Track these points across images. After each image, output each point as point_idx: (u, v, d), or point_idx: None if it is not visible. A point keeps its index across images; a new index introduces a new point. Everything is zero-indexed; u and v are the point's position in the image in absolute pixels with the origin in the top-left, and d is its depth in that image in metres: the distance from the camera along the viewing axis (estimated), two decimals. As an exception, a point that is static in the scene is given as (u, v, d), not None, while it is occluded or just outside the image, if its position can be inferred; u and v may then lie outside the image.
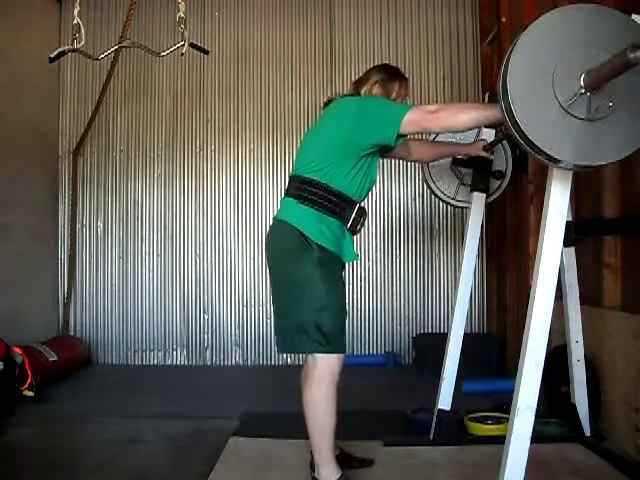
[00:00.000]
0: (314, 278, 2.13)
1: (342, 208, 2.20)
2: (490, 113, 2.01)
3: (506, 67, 1.68)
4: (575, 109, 1.65)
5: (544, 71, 1.66)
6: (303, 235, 2.15)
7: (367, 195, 2.37)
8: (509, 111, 1.68)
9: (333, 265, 2.21)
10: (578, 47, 1.67)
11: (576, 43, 1.68)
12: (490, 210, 4.51)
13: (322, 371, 2.17)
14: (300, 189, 2.20)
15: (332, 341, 2.16)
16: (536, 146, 1.68)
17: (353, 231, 2.27)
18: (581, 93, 1.64)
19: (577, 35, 1.69)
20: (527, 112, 1.66)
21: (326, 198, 2.17)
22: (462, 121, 2.05)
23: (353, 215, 2.23)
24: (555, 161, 1.70)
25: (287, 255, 2.20)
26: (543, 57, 1.66)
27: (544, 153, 1.68)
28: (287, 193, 2.27)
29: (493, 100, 2.96)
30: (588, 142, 1.67)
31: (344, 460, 2.40)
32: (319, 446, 2.20)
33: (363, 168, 2.25)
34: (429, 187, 3.21)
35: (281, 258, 2.25)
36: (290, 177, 2.31)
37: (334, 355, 2.17)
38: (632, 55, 1.43)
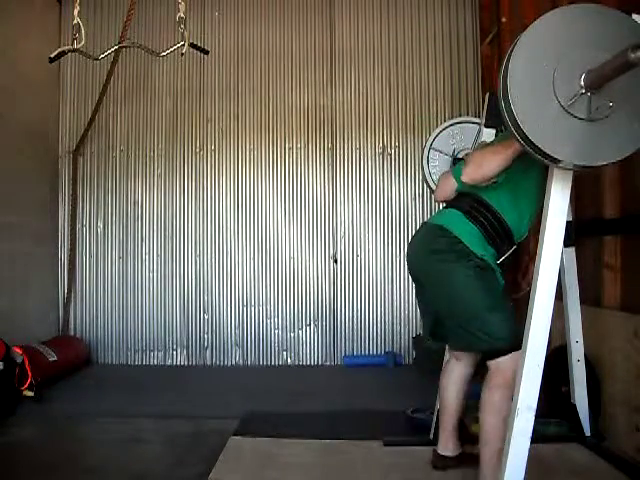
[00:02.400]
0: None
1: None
2: (511, 151, 2.02)
3: (506, 67, 1.68)
4: (575, 109, 1.65)
5: (544, 71, 1.66)
6: None
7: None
8: (509, 112, 1.68)
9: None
10: (578, 47, 1.67)
11: (576, 43, 1.68)
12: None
13: (505, 374, 2.07)
14: None
15: (512, 344, 2.07)
16: (536, 146, 1.68)
17: None
18: (581, 93, 1.64)
19: (577, 35, 1.69)
20: (527, 112, 1.66)
21: None
22: (489, 171, 2.10)
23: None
24: (555, 161, 1.70)
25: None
26: (543, 57, 1.67)
27: (544, 153, 1.68)
28: None
29: (492, 100, 2.97)
30: (588, 142, 1.67)
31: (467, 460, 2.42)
32: (493, 453, 2.05)
33: None
34: (429, 186, 3.21)
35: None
36: None
37: (514, 354, 2.05)
38: (633, 55, 1.44)
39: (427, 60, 5.17)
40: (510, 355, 2.05)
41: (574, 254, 2.78)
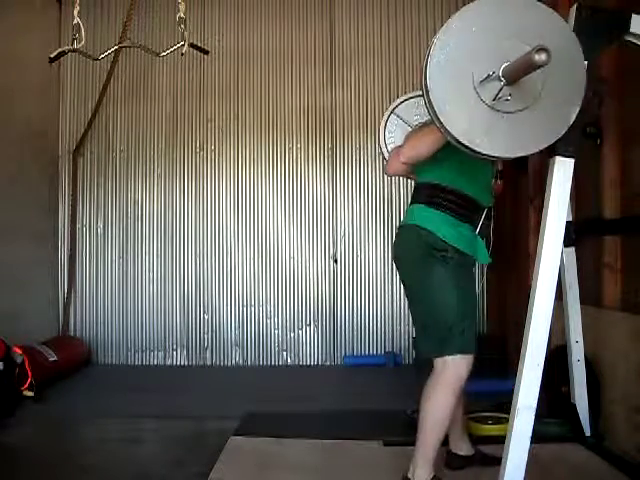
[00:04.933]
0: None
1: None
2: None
3: (427, 59, 1.70)
4: (493, 102, 1.68)
5: (463, 63, 1.68)
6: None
7: None
8: (429, 102, 1.71)
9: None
10: (499, 40, 1.69)
11: (497, 36, 1.70)
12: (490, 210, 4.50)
13: (451, 375, 2.14)
14: None
15: (464, 345, 2.16)
16: (454, 136, 1.70)
17: None
18: (499, 86, 1.66)
19: (498, 28, 1.70)
20: (445, 102, 1.69)
21: None
22: (425, 150, 2.15)
23: None
24: (474, 152, 1.72)
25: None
26: (463, 49, 1.69)
27: (462, 144, 1.71)
28: None
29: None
30: (505, 134, 1.70)
31: (480, 459, 2.47)
32: (426, 446, 2.15)
33: None
34: (382, 155, 3.09)
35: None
36: None
37: (465, 357, 2.16)
38: (537, 57, 1.49)
39: (427, 60, 5.17)
40: (460, 356, 2.13)
41: (574, 254, 2.78)
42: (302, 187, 5.21)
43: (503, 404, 2.79)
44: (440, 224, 2.17)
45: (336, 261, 5.12)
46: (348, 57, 5.19)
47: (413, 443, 2.75)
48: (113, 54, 4.31)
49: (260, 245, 5.18)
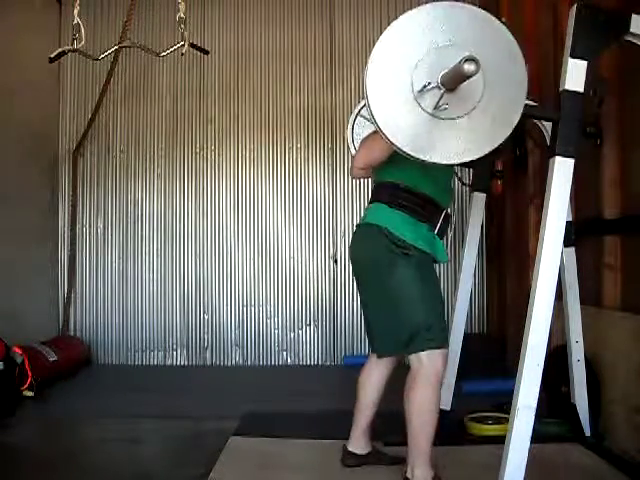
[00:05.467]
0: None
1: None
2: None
3: (365, 76, 1.71)
4: (434, 110, 1.68)
5: (402, 76, 1.69)
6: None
7: None
8: (373, 118, 1.72)
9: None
10: (436, 49, 1.70)
11: (434, 45, 1.70)
12: (490, 210, 4.51)
13: (428, 370, 2.14)
14: None
15: (434, 337, 2.16)
16: (398, 147, 1.72)
17: None
18: (439, 94, 1.67)
19: (435, 38, 1.70)
20: (388, 116, 1.70)
21: None
22: (379, 155, 2.18)
23: None
24: (420, 160, 1.73)
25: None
26: (400, 62, 1.70)
27: (406, 153, 1.72)
28: None
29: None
30: (448, 141, 1.71)
31: (376, 458, 2.47)
32: (420, 447, 2.15)
33: None
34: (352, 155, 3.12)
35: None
36: None
37: (438, 351, 2.16)
38: (466, 67, 1.51)
39: (427, 60, 5.16)
40: (436, 352, 2.14)
41: (574, 254, 2.78)
42: (302, 187, 5.21)
43: (503, 404, 2.80)
44: (399, 223, 2.19)
45: (336, 261, 5.12)
46: (348, 57, 5.19)
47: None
48: (113, 54, 4.30)
49: (260, 245, 5.18)
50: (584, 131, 2.77)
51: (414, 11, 1.74)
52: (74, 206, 5.21)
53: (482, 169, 2.98)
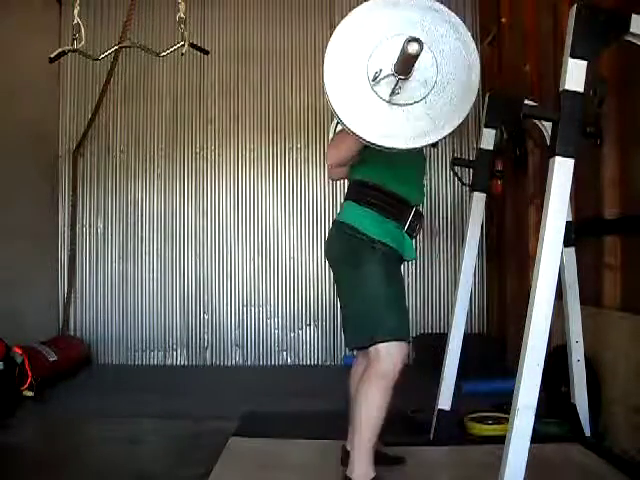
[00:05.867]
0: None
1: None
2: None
3: (323, 72, 1.77)
4: (391, 97, 1.73)
5: (357, 68, 1.75)
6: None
7: None
8: (335, 113, 1.76)
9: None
10: (388, 38, 1.75)
11: (385, 34, 1.76)
12: (490, 210, 4.51)
13: (385, 363, 2.12)
14: None
15: (393, 331, 2.15)
16: (363, 139, 1.76)
17: None
18: (395, 81, 1.72)
19: (386, 27, 1.77)
20: (348, 109, 1.75)
21: None
22: (347, 151, 2.17)
23: None
24: (385, 148, 1.78)
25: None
26: (354, 54, 1.76)
27: (372, 144, 1.77)
28: None
29: (492, 100, 2.98)
30: (408, 126, 1.75)
31: (375, 458, 2.41)
32: (361, 442, 2.13)
33: None
34: None
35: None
36: None
37: (397, 345, 2.14)
38: (410, 48, 1.58)
39: (427, 60, 5.16)
40: (393, 344, 2.11)
41: (574, 254, 2.78)
42: (302, 187, 5.21)
43: (503, 404, 2.80)
44: (367, 221, 2.20)
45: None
46: (348, 57, 5.18)
47: (413, 443, 2.78)
48: (113, 54, 4.30)
49: (260, 245, 5.18)
50: (584, 131, 2.76)
51: (367, 4, 1.81)
52: (74, 206, 5.21)
53: (482, 169, 2.98)
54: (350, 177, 2.36)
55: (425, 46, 1.67)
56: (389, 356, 2.11)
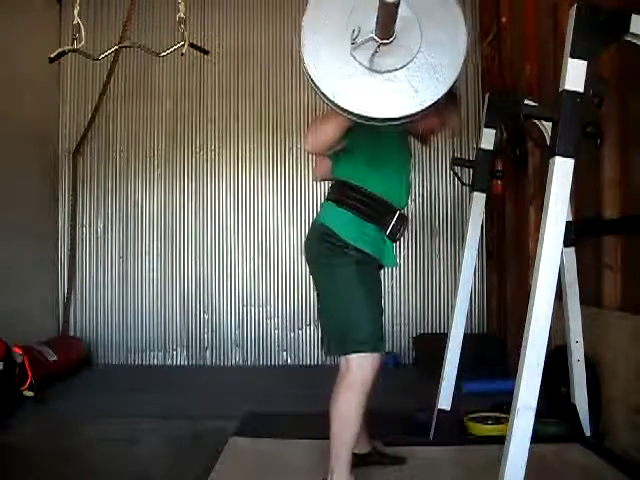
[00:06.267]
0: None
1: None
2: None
3: (300, 46, 1.71)
4: (372, 63, 1.66)
5: (335, 36, 1.68)
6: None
7: None
8: (315, 86, 1.69)
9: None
10: (366, 5, 1.66)
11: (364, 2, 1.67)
12: (490, 210, 4.51)
13: (354, 375, 2.10)
14: None
15: (365, 341, 2.11)
16: (343, 108, 1.69)
17: None
18: (375, 46, 1.64)
19: None
20: (327, 78, 1.68)
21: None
22: (326, 137, 2.04)
23: None
24: (368, 119, 1.70)
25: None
26: (330, 23, 1.70)
27: (353, 114, 1.69)
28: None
29: (492, 100, 2.98)
30: (389, 94, 1.67)
31: (376, 458, 2.42)
32: (338, 454, 2.09)
33: None
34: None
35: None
36: None
37: (368, 357, 2.10)
38: None
39: (427, 60, 5.16)
40: (364, 355, 2.07)
41: (574, 254, 2.78)
42: (302, 187, 5.21)
43: (503, 404, 2.80)
44: (343, 223, 2.14)
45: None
46: (348, 57, 5.18)
47: (413, 443, 2.78)
48: (113, 54, 4.31)
49: (260, 245, 5.18)
50: (584, 131, 2.77)
51: None
52: (74, 206, 5.21)
53: (482, 169, 2.98)
54: (333, 176, 2.28)
55: (407, 7, 1.59)
56: (359, 367, 2.08)
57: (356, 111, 1.68)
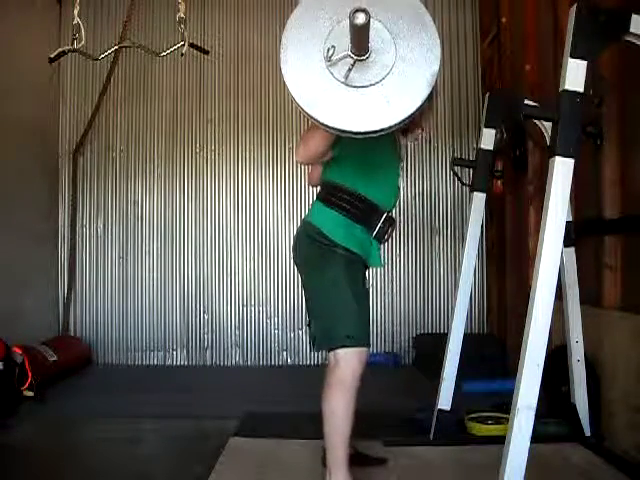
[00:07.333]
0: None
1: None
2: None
3: (280, 62, 1.72)
4: (347, 79, 1.69)
5: (312, 52, 1.71)
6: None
7: None
8: (296, 102, 1.72)
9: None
10: (344, 19, 1.67)
11: (339, 16, 1.70)
12: (490, 210, 4.51)
13: (343, 370, 2.10)
14: None
15: (352, 335, 2.12)
16: (323, 124, 1.72)
17: None
18: (351, 63, 1.67)
19: (340, 9, 1.70)
20: (308, 96, 1.71)
21: None
22: (316, 147, 2.09)
23: None
24: (344, 132, 1.73)
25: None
26: (309, 39, 1.71)
27: (333, 129, 1.73)
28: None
29: (492, 100, 2.98)
30: (347, 107, 1.70)
31: (359, 460, 2.39)
32: (334, 454, 2.10)
33: None
34: None
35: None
36: None
37: (354, 351, 2.11)
38: (355, 20, 1.52)
39: (427, 60, 5.16)
40: (351, 350, 2.08)
41: (574, 254, 2.78)
42: (302, 187, 5.20)
43: (503, 404, 2.80)
44: (332, 223, 2.17)
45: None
46: (348, 57, 5.17)
47: (413, 443, 2.78)
48: (113, 54, 4.31)
49: (260, 245, 5.18)
50: (584, 131, 2.77)
51: None
52: (74, 206, 5.21)
53: (482, 169, 2.98)
54: (323, 178, 2.31)
55: (382, 26, 1.65)
56: (347, 363, 2.09)
57: (331, 124, 1.72)
